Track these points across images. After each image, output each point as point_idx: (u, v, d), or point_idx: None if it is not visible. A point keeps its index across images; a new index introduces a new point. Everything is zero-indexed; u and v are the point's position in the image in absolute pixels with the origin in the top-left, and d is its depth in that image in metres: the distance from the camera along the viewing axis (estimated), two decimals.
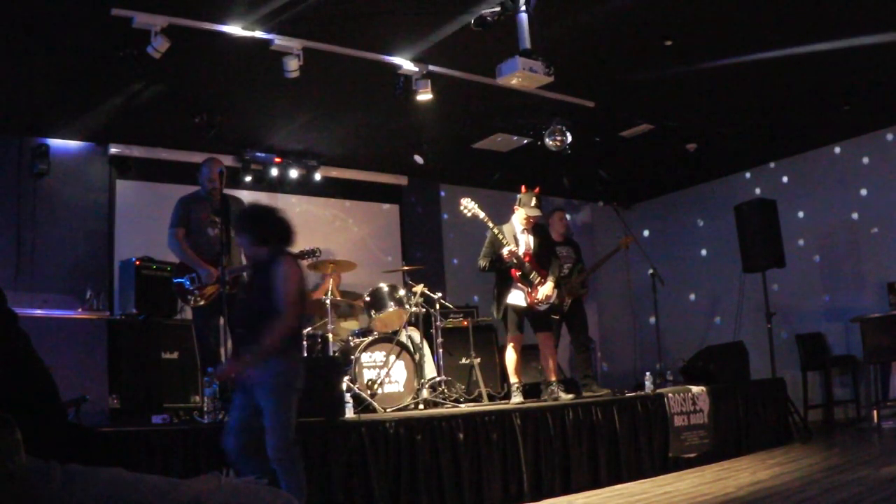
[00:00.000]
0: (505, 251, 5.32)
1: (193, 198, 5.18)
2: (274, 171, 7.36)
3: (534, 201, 5.50)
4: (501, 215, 5.83)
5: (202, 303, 4.96)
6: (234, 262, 5.20)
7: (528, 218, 5.50)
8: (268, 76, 5.32)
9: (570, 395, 5.49)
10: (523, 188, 5.63)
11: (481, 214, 5.47)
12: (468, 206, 5.53)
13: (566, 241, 6.87)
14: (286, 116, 6.54)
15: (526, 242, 5.50)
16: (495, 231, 5.40)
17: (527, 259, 5.42)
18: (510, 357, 5.53)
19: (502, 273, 5.46)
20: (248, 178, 7.22)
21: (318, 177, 7.60)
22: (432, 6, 4.69)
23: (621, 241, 6.78)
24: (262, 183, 7.34)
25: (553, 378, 5.54)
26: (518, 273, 5.38)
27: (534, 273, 5.41)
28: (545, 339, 5.55)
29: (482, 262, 5.54)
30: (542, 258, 5.52)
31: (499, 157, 7.90)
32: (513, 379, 5.52)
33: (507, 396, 5.77)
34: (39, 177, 6.28)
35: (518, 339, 5.52)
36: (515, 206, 5.61)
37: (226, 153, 7.08)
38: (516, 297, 5.43)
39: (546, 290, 5.38)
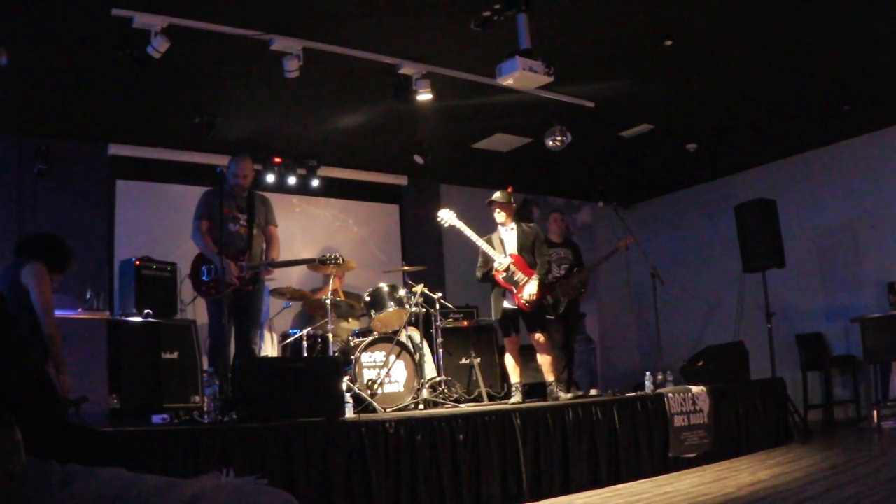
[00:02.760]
0: (496, 265, 5.37)
1: (217, 192, 5.18)
2: (274, 171, 7.36)
3: (496, 193, 5.53)
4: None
5: (216, 295, 4.97)
6: (254, 258, 5.22)
7: (497, 209, 5.52)
8: (268, 76, 5.33)
9: (569, 395, 5.49)
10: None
11: (459, 224, 5.48)
12: (444, 217, 5.56)
13: (565, 242, 6.94)
14: (286, 116, 6.54)
15: (512, 242, 5.52)
16: (483, 247, 5.44)
17: (514, 259, 5.43)
18: (507, 359, 5.57)
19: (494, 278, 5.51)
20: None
21: (318, 177, 7.61)
22: (432, 6, 4.69)
23: (621, 243, 6.77)
24: (262, 183, 7.33)
25: (551, 378, 5.54)
26: (501, 276, 5.40)
27: (519, 274, 5.41)
28: (539, 339, 5.54)
29: (478, 273, 5.63)
30: (529, 256, 5.50)
31: (499, 157, 7.90)
32: (512, 379, 5.53)
33: (507, 396, 5.78)
34: (39, 177, 6.27)
35: (512, 341, 5.54)
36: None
37: (226, 153, 7.09)
38: (508, 300, 5.47)
39: (530, 289, 5.36)
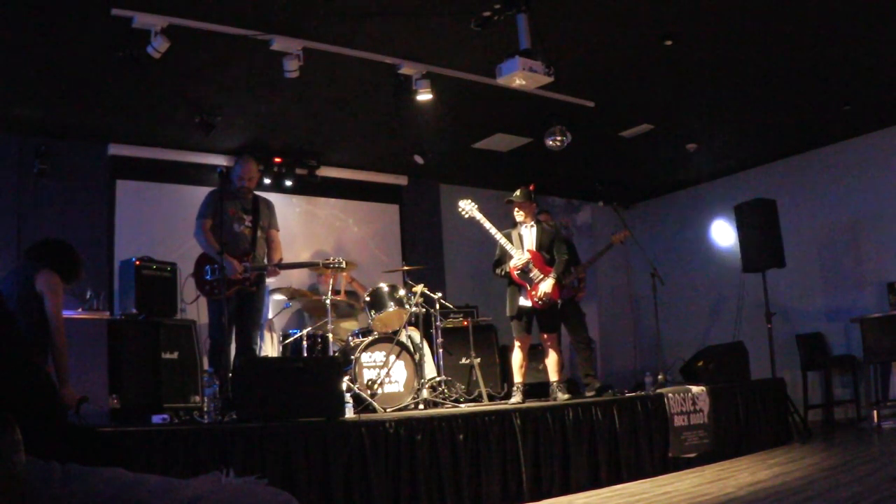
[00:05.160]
0: (513, 262, 5.37)
1: (222, 192, 5.17)
2: (274, 171, 7.36)
3: (516, 192, 5.55)
4: (503, 216, 5.83)
5: (219, 295, 4.97)
6: (258, 260, 5.22)
7: (516, 208, 5.54)
8: (268, 76, 5.33)
9: (567, 395, 5.49)
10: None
11: (479, 217, 5.47)
12: (465, 207, 5.53)
13: None
14: (286, 116, 6.54)
15: (530, 239, 5.52)
16: (501, 241, 5.44)
17: (531, 255, 5.43)
18: (515, 357, 5.56)
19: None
20: None
21: (318, 177, 7.61)
22: (432, 6, 4.69)
23: (615, 237, 6.76)
24: (261, 183, 7.33)
25: (555, 378, 5.55)
26: (516, 273, 5.40)
27: (535, 271, 5.41)
28: (550, 339, 5.55)
29: (496, 269, 5.62)
30: (547, 255, 5.51)
31: (499, 157, 7.90)
32: (516, 378, 5.53)
33: (508, 396, 5.77)
34: (39, 176, 6.27)
35: (524, 339, 5.53)
36: None
37: (226, 153, 7.10)
38: (524, 297, 5.47)
39: (545, 287, 5.37)
